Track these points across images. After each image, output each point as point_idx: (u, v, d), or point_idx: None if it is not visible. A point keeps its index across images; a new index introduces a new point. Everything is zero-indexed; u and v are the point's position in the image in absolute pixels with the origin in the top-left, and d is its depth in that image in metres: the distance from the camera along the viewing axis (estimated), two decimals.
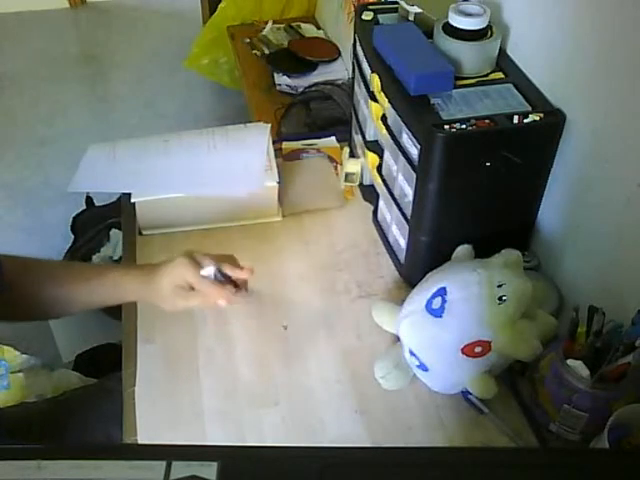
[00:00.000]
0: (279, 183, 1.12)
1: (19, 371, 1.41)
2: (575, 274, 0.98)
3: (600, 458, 0.45)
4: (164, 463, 0.37)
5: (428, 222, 0.95)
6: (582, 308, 0.80)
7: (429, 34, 0.98)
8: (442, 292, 0.84)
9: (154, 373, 0.93)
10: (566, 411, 0.82)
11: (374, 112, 1.02)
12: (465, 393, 0.89)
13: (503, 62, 0.98)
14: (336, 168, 1.25)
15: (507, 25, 1.01)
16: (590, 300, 0.81)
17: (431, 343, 0.85)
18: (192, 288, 0.84)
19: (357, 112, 1.16)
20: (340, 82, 1.94)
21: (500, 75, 0.96)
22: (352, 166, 1.17)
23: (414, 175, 0.91)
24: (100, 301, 0.90)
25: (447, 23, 0.94)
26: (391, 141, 0.98)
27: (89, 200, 1.94)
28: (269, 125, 1.21)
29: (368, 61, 1.02)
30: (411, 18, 1.03)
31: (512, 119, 0.87)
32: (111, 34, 3.36)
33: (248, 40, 2.29)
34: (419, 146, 0.88)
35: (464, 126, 0.85)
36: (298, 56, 2.10)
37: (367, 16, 1.07)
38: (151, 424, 0.87)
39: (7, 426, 0.99)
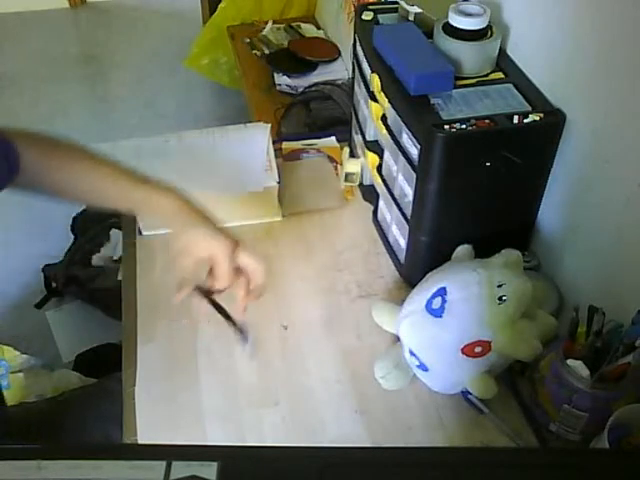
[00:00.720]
0: (279, 183, 1.12)
1: (19, 371, 1.41)
2: (575, 274, 0.98)
3: (600, 458, 0.45)
4: (164, 463, 0.37)
5: (428, 222, 0.95)
6: (582, 308, 0.80)
7: (429, 34, 0.98)
8: (442, 292, 0.84)
9: (154, 373, 0.93)
10: (566, 411, 0.82)
11: (374, 112, 1.02)
12: (465, 393, 0.89)
13: (503, 62, 0.98)
14: (336, 168, 1.25)
15: (507, 25, 1.01)
16: (590, 300, 0.81)
17: (431, 343, 0.85)
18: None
19: (357, 112, 1.16)
20: (340, 82, 1.94)
21: (500, 75, 0.96)
22: (352, 166, 1.17)
23: (414, 175, 0.91)
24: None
25: (447, 23, 0.94)
26: (391, 141, 0.98)
27: None
28: (269, 125, 1.21)
29: (368, 61, 1.02)
30: (411, 18, 1.03)
31: (512, 119, 0.87)
32: (111, 34, 3.36)
33: (248, 40, 2.29)
34: (419, 146, 0.88)
35: (464, 126, 0.85)
36: (298, 56, 2.10)
37: (367, 16, 1.07)
38: (151, 424, 0.87)
39: (7, 426, 0.99)
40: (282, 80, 2.04)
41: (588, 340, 0.80)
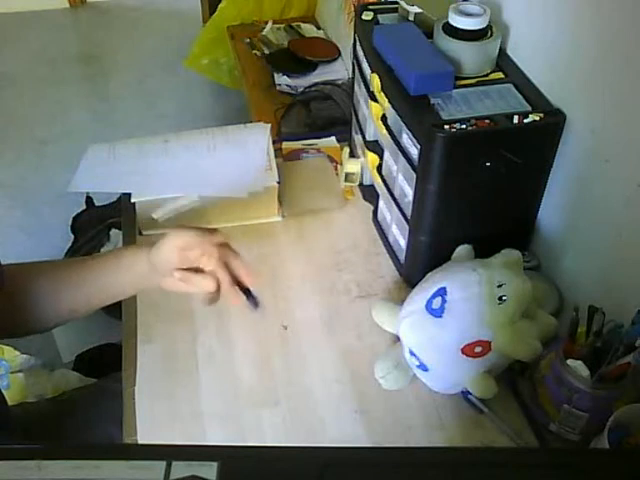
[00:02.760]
0: (279, 183, 1.12)
1: (19, 371, 1.41)
2: (575, 274, 0.98)
3: (600, 458, 0.45)
4: (164, 463, 0.37)
5: (428, 222, 0.95)
6: (582, 308, 0.80)
7: (429, 34, 0.98)
8: (442, 292, 0.84)
9: (154, 373, 0.93)
10: (566, 411, 0.82)
11: (374, 112, 1.02)
12: (465, 393, 0.89)
13: (503, 62, 0.98)
14: (336, 168, 1.25)
15: (507, 25, 1.01)
16: (590, 300, 0.81)
17: (431, 343, 0.85)
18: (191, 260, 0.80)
19: (357, 112, 1.16)
20: (340, 82, 1.94)
21: (500, 75, 0.96)
22: (352, 166, 1.17)
23: (414, 175, 0.91)
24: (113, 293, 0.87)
25: (447, 23, 0.94)
26: (391, 141, 0.98)
27: (89, 200, 1.94)
28: (269, 125, 1.21)
29: (368, 61, 1.02)
30: (411, 18, 1.03)
31: (512, 119, 0.87)
32: (111, 34, 3.36)
33: (248, 40, 2.29)
34: (419, 146, 0.88)
35: (464, 126, 0.85)
36: (298, 56, 2.10)
37: (367, 16, 1.07)
38: (151, 424, 0.87)
39: (8, 426, 0.99)
40: (282, 80, 2.04)
41: (588, 340, 0.80)
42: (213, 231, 0.81)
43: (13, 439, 0.91)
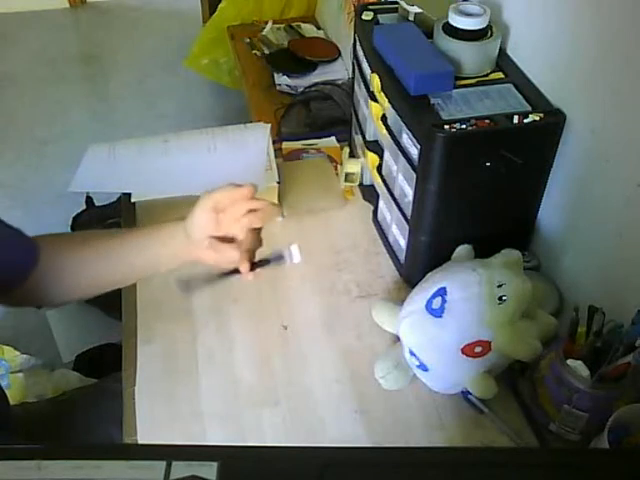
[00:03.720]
0: (279, 183, 1.12)
1: (19, 371, 1.41)
2: (575, 274, 0.98)
3: (600, 458, 0.45)
4: (164, 463, 0.37)
5: (428, 222, 0.95)
6: (582, 308, 0.80)
7: (429, 34, 0.98)
8: (442, 292, 0.84)
9: (154, 373, 0.93)
10: (566, 411, 0.82)
11: (374, 112, 1.02)
12: (465, 393, 0.89)
13: (503, 62, 0.98)
14: (336, 168, 1.25)
15: (507, 25, 1.01)
16: (590, 300, 0.81)
17: (431, 343, 0.85)
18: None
19: (357, 112, 1.16)
20: (340, 82, 1.94)
21: (500, 75, 0.96)
22: (352, 166, 1.17)
23: (414, 175, 0.91)
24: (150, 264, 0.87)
25: (447, 23, 0.94)
26: (391, 141, 0.98)
27: (89, 200, 1.93)
28: (269, 125, 1.21)
29: (368, 61, 1.02)
30: (411, 18, 1.03)
31: (512, 119, 0.87)
32: (111, 34, 3.36)
33: (248, 40, 2.29)
34: (419, 146, 0.88)
35: (464, 126, 0.85)
36: (298, 56, 2.10)
37: (367, 16, 1.07)
38: (151, 424, 0.87)
39: (8, 426, 0.99)
40: (282, 80, 2.04)
41: (588, 340, 0.80)
42: (241, 186, 0.80)
43: (14, 439, 0.91)
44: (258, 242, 0.86)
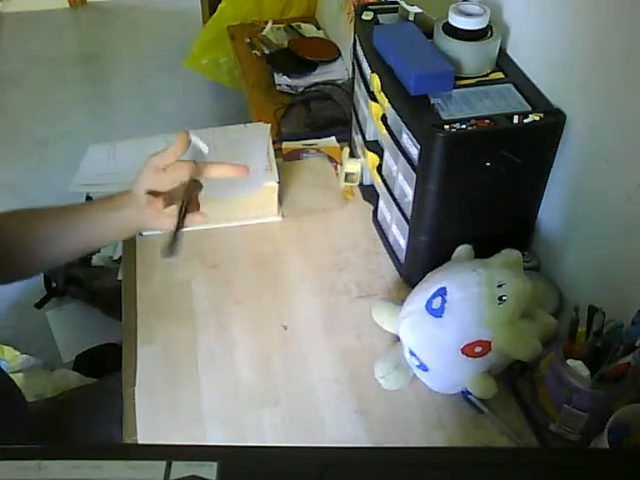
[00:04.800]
0: (279, 183, 1.12)
1: (19, 371, 1.42)
2: (575, 274, 0.98)
3: (600, 458, 0.45)
4: (164, 463, 0.37)
5: (428, 222, 0.95)
6: (582, 308, 0.80)
7: (429, 34, 0.98)
8: (442, 292, 0.84)
9: (154, 373, 0.93)
10: (566, 411, 0.82)
11: (374, 112, 1.02)
12: (465, 393, 0.89)
13: (503, 62, 0.98)
14: (336, 168, 1.25)
15: (507, 25, 1.01)
16: (590, 300, 0.81)
17: (431, 343, 0.85)
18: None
19: (357, 112, 1.16)
20: (340, 82, 1.95)
21: (500, 75, 0.96)
22: (352, 166, 1.17)
23: (414, 175, 0.91)
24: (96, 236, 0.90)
25: (447, 23, 0.94)
26: (391, 141, 0.98)
27: (89, 200, 1.93)
28: (269, 125, 1.21)
29: (368, 61, 1.02)
30: (411, 18, 1.03)
31: (512, 119, 0.87)
32: (111, 34, 3.37)
33: (248, 40, 2.29)
34: (419, 146, 0.88)
35: (464, 126, 0.85)
36: (298, 56, 2.10)
37: (367, 16, 1.07)
38: (151, 424, 0.87)
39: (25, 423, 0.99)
40: (282, 80, 2.04)
41: (588, 340, 0.80)
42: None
43: (15, 439, 0.91)
44: (197, 188, 0.88)
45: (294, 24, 2.32)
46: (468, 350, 0.83)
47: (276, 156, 1.17)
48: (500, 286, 0.82)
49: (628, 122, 0.81)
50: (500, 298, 0.82)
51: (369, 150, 1.09)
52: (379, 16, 1.07)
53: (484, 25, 0.93)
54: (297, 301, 1.03)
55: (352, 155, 1.21)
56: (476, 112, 0.88)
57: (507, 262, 0.87)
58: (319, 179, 1.23)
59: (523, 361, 0.87)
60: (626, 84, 0.80)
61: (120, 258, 1.55)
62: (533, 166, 0.93)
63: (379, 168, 1.07)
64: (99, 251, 1.86)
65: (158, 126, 2.62)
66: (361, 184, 1.20)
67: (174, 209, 0.84)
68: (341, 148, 1.26)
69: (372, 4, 1.12)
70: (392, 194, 1.03)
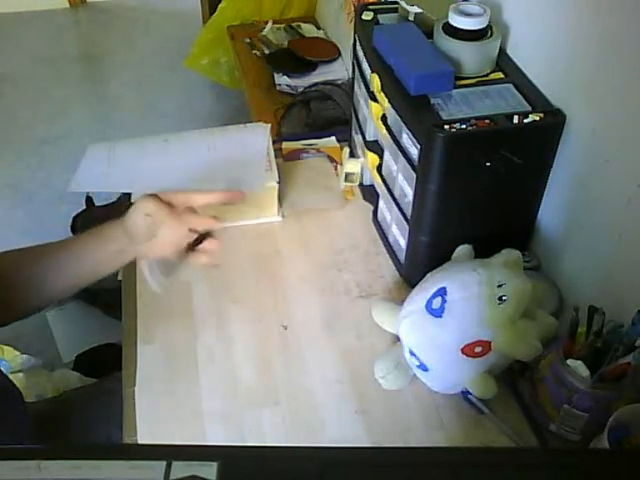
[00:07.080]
0: (279, 183, 1.12)
1: (19, 371, 1.42)
2: (575, 274, 0.98)
3: (600, 458, 0.45)
4: (164, 463, 0.37)
5: (428, 222, 0.95)
6: (582, 308, 0.80)
7: (429, 34, 0.98)
8: (442, 292, 0.84)
9: (154, 373, 0.93)
10: (566, 411, 0.82)
11: (374, 112, 1.02)
12: (465, 393, 0.89)
13: (503, 62, 0.98)
14: (336, 168, 1.25)
15: (507, 25, 1.01)
16: (590, 300, 0.81)
17: (431, 343, 0.85)
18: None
19: (357, 112, 1.16)
20: (340, 82, 1.95)
21: (500, 75, 0.96)
22: (352, 166, 1.17)
23: (414, 175, 0.91)
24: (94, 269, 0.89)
25: (447, 23, 0.94)
26: (391, 141, 0.98)
27: (89, 200, 1.94)
28: (269, 125, 1.21)
29: (368, 61, 1.02)
30: (411, 18, 1.03)
31: (512, 119, 0.87)
32: (111, 34, 3.37)
33: (248, 40, 2.29)
34: (419, 146, 0.88)
35: (464, 126, 0.85)
36: (298, 56, 2.10)
37: (367, 16, 1.07)
38: (151, 424, 0.87)
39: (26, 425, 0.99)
40: (282, 80, 2.04)
41: (588, 340, 0.80)
42: (176, 198, 0.85)
43: (15, 439, 0.91)
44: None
45: (294, 24, 2.32)
46: (468, 350, 0.83)
47: (276, 156, 1.17)
48: (500, 286, 0.82)
49: (628, 122, 0.81)
50: (500, 298, 0.82)
51: (369, 150, 1.09)
52: (379, 16, 1.07)
53: (484, 25, 0.93)
54: (297, 301, 1.03)
55: (352, 155, 1.21)
56: (476, 112, 0.88)
57: (507, 262, 0.87)
58: (319, 179, 1.23)
59: (523, 361, 0.87)
60: (626, 84, 0.80)
61: None
62: (533, 166, 0.93)
63: (379, 168, 1.07)
64: None
65: (158, 126, 2.62)
66: (361, 184, 1.20)
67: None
68: (341, 148, 1.26)
69: (372, 4, 1.12)
70: (392, 194, 1.03)
